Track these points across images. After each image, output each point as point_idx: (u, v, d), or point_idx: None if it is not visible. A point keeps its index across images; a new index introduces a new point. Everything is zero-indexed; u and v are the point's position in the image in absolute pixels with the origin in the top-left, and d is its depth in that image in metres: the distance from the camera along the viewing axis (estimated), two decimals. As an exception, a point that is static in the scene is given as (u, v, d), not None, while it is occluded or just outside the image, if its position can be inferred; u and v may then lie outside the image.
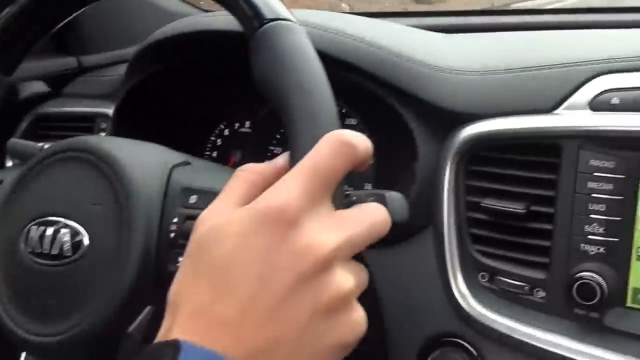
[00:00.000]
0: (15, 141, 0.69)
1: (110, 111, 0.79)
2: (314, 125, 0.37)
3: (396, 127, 0.58)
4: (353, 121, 0.69)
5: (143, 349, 0.33)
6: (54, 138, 0.72)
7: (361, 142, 0.35)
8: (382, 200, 0.36)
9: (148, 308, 0.36)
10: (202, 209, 0.44)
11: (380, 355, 0.54)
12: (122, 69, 0.86)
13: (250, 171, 0.37)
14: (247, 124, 0.81)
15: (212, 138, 0.83)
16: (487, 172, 0.53)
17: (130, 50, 0.92)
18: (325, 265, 0.32)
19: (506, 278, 0.52)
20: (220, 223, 0.34)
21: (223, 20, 0.65)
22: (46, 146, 0.67)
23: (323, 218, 0.33)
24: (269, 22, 0.41)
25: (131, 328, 0.35)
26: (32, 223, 0.49)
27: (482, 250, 0.53)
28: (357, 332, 0.33)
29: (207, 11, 1.02)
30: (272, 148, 0.79)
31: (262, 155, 0.78)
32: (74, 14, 0.56)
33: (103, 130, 0.79)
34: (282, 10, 0.42)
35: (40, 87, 0.89)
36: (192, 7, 1.01)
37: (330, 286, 0.32)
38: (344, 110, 0.74)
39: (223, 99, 0.80)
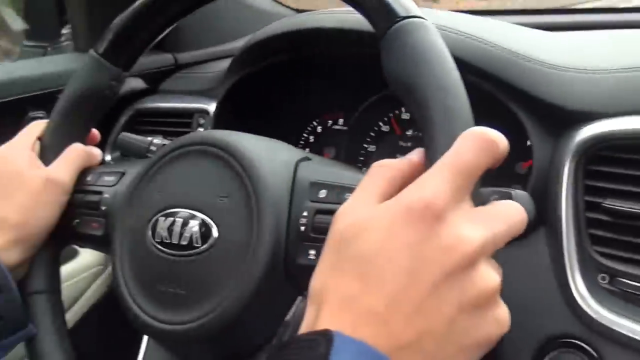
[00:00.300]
0: (126, 135, 0.70)
1: (207, 107, 0.80)
2: (451, 123, 0.36)
3: (509, 126, 0.56)
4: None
5: (292, 338, 0.32)
6: (153, 133, 0.72)
7: (501, 139, 0.34)
8: (508, 198, 0.36)
9: (300, 298, 0.36)
10: (333, 202, 0.45)
11: (494, 354, 0.53)
12: (215, 66, 0.89)
13: (389, 167, 0.37)
14: (341, 121, 0.81)
15: (305, 135, 0.83)
16: (607, 172, 0.51)
17: (223, 48, 0.94)
18: (471, 261, 0.31)
19: (628, 280, 0.50)
20: (365, 216, 0.34)
21: (334, 18, 0.65)
22: (155, 141, 0.69)
23: (467, 214, 0.33)
24: (402, 19, 0.41)
25: (288, 317, 0.35)
26: (160, 214, 0.50)
27: (602, 251, 0.51)
28: (502, 329, 0.33)
29: (298, 10, 1.03)
30: (365, 146, 0.79)
31: (356, 152, 0.78)
32: (188, 15, 0.57)
33: (201, 125, 0.80)
34: (414, 8, 0.42)
35: (138, 83, 0.90)
36: (282, 6, 1.01)
37: (476, 282, 0.32)
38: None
39: (318, 97, 0.80)
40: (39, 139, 0.59)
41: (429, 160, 0.36)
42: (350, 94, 0.77)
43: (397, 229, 0.32)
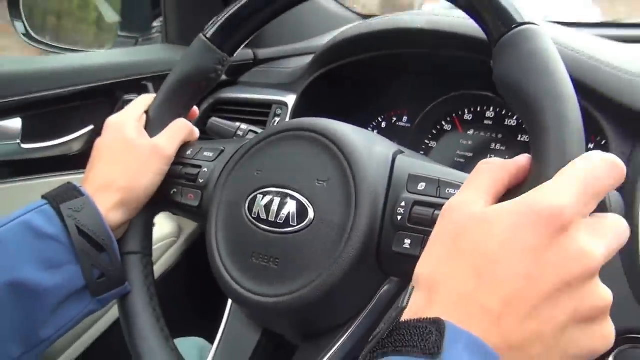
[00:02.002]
0: (216, 120, 0.69)
1: (285, 99, 0.79)
2: (565, 132, 0.34)
3: (588, 131, 0.51)
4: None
5: (400, 323, 0.30)
6: (231, 121, 0.70)
7: (624, 167, 0.33)
8: (604, 198, 0.33)
9: (412, 286, 0.31)
10: (432, 196, 0.43)
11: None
12: (292, 62, 0.88)
13: (498, 166, 0.35)
14: (405, 118, 0.80)
15: (369, 129, 0.81)
16: None
17: (298, 46, 0.94)
18: (591, 275, 0.29)
19: None
20: (485, 213, 0.32)
21: (422, 19, 0.64)
22: (242, 126, 0.66)
23: (589, 229, 0.31)
24: (519, 25, 0.38)
25: (404, 302, 0.30)
26: (258, 192, 0.48)
27: None
28: (607, 345, 0.31)
29: (364, 16, 0.99)
30: (427, 142, 0.76)
31: (418, 147, 0.76)
32: (287, 11, 0.56)
33: (278, 116, 0.80)
34: (530, 15, 0.39)
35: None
36: (351, 12, 0.98)
37: (594, 296, 0.30)
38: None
39: (386, 95, 0.79)
40: (146, 112, 0.58)
41: (538, 167, 0.34)
42: (416, 94, 0.76)
43: (522, 231, 0.30)
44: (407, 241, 0.43)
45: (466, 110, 0.72)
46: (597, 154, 0.32)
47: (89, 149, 0.56)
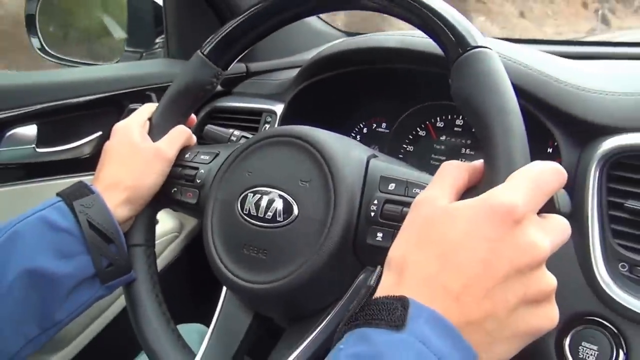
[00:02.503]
0: (211, 127, 0.72)
1: (274, 108, 0.82)
2: (512, 141, 0.37)
3: (541, 136, 0.55)
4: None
5: (371, 300, 0.33)
6: (226, 127, 0.73)
7: (565, 172, 0.36)
8: (552, 197, 0.36)
9: (379, 267, 0.35)
10: (401, 195, 0.46)
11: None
12: (282, 74, 0.91)
13: (459, 168, 0.38)
14: (384, 125, 0.84)
15: (352, 134, 0.85)
16: (627, 177, 0.52)
17: (287, 60, 0.96)
18: (539, 264, 0.32)
19: None
20: (449, 207, 0.35)
21: (395, 39, 0.67)
22: (235, 132, 0.68)
23: (538, 224, 0.34)
24: (472, 49, 0.41)
25: (372, 282, 0.34)
26: (249, 191, 0.51)
27: (623, 244, 0.52)
28: (552, 324, 0.34)
29: (348, 33, 1.02)
30: (405, 146, 0.80)
31: (396, 151, 0.80)
32: (279, 29, 0.58)
33: (268, 123, 0.83)
34: (482, 39, 0.42)
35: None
36: (335, 29, 1.02)
37: (541, 282, 0.33)
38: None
39: (366, 104, 0.82)
40: (149, 119, 0.61)
41: (489, 173, 0.38)
42: (393, 104, 0.80)
43: (481, 224, 0.32)
44: (380, 234, 0.45)
45: (438, 118, 0.76)
46: (544, 162, 0.36)
47: (98, 153, 0.58)
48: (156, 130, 0.59)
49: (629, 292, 0.50)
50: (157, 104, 0.61)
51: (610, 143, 0.52)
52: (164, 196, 0.59)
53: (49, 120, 0.86)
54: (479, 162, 0.39)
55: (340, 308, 0.48)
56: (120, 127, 0.59)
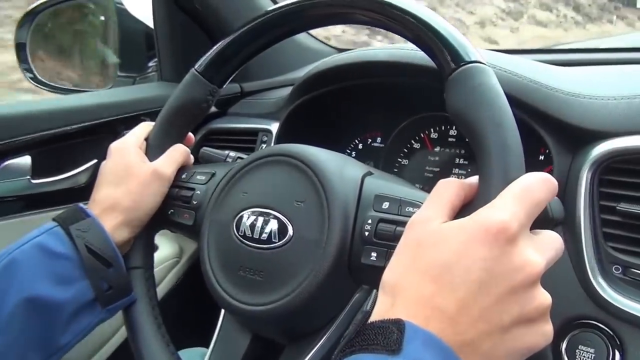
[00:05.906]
0: (207, 149, 0.73)
1: (270, 127, 0.83)
2: (508, 157, 0.37)
3: (533, 144, 0.57)
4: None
5: (367, 324, 0.33)
6: (222, 149, 0.73)
7: (555, 181, 0.36)
8: (546, 207, 0.37)
9: (375, 291, 0.36)
10: (395, 214, 0.47)
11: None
12: (275, 93, 0.93)
13: (454, 185, 0.38)
14: (378, 139, 0.85)
15: (348, 151, 0.86)
16: (619, 181, 0.53)
17: (280, 79, 0.97)
18: (533, 281, 0.33)
19: (638, 270, 0.51)
20: (442, 228, 0.35)
21: (385, 53, 0.69)
22: (230, 154, 0.69)
23: (531, 241, 0.34)
24: (466, 64, 0.42)
25: (367, 306, 0.35)
26: (244, 212, 0.51)
27: (615, 246, 0.53)
28: (547, 341, 0.34)
29: (339, 49, 1.05)
30: (400, 160, 0.81)
31: (391, 165, 0.81)
32: (269, 47, 0.58)
33: (264, 142, 0.83)
34: (476, 54, 0.43)
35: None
36: (327, 46, 1.03)
37: (535, 300, 0.33)
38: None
39: (360, 120, 0.84)
40: (146, 139, 0.60)
41: (484, 188, 0.38)
42: (387, 117, 0.81)
43: (474, 244, 0.33)
44: (374, 254, 0.46)
45: (432, 130, 0.78)
46: (533, 174, 0.36)
47: (94, 181, 0.58)
48: (153, 149, 0.59)
49: (623, 294, 0.51)
50: (153, 123, 0.61)
51: (602, 148, 0.53)
52: (161, 217, 0.59)
53: (42, 150, 0.86)
54: (475, 179, 0.39)
55: (337, 327, 0.49)
56: (116, 147, 0.58)
